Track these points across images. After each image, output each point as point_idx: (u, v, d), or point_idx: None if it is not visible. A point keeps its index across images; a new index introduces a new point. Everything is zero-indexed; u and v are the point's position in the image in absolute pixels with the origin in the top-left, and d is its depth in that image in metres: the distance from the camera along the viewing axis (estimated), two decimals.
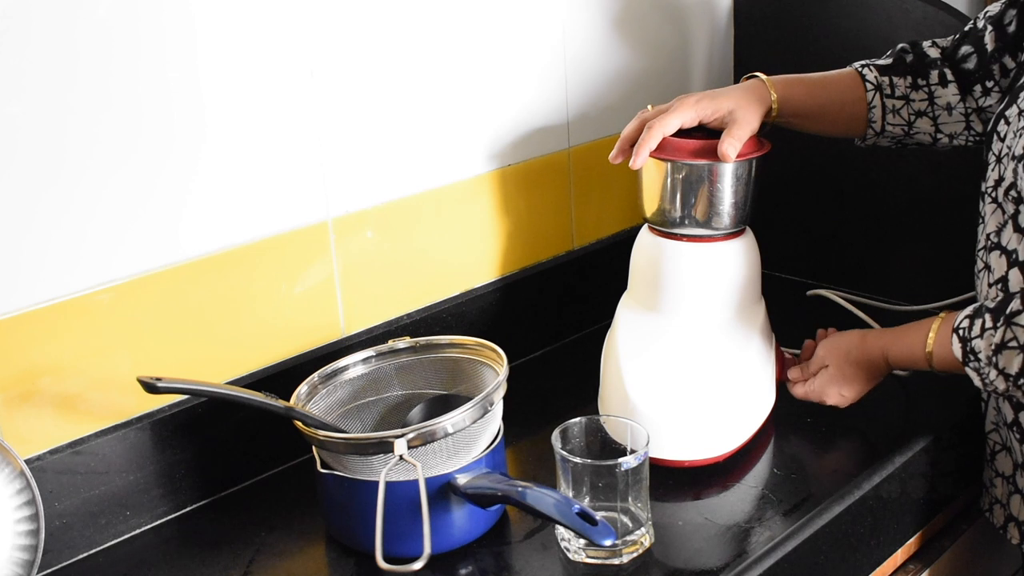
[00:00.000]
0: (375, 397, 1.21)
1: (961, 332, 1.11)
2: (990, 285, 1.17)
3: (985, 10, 1.29)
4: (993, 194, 1.18)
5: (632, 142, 1.24)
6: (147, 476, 1.16)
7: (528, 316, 1.49)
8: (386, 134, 1.30)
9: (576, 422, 1.12)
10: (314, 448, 1.10)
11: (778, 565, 1.06)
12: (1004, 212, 1.16)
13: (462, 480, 1.06)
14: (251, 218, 1.20)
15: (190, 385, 1.05)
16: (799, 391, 1.28)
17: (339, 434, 1.09)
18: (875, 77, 1.31)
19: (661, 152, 1.23)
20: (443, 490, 1.06)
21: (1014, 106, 1.17)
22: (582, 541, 1.05)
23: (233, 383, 1.21)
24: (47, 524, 1.06)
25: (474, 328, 1.40)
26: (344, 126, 1.26)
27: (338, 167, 1.27)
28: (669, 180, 1.24)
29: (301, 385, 1.15)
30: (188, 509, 1.19)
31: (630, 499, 1.07)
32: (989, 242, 1.18)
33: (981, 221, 1.21)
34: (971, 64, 1.28)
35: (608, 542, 0.98)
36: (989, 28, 1.26)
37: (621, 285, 1.34)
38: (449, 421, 1.04)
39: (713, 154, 1.22)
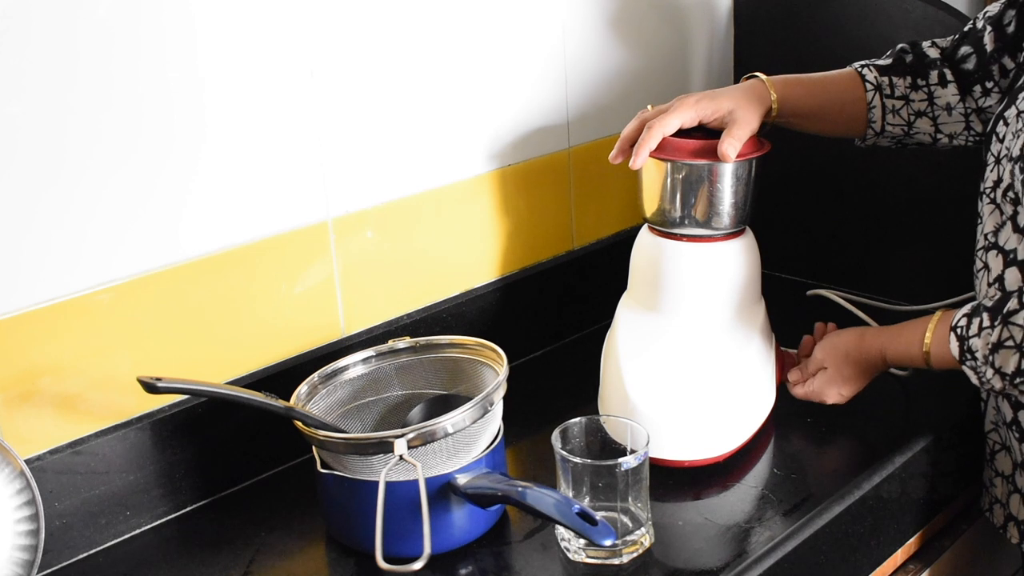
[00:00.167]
0: (375, 397, 1.21)
1: (959, 331, 1.12)
2: (989, 284, 1.18)
3: (984, 10, 1.29)
4: (992, 195, 1.18)
5: (632, 142, 1.24)
6: (147, 476, 1.16)
7: (528, 316, 1.49)
8: (386, 134, 1.30)
9: (576, 422, 1.12)
10: (314, 448, 1.10)
11: (778, 565, 1.06)
12: (1003, 213, 1.16)
13: (462, 480, 1.06)
14: (251, 218, 1.20)
15: (190, 385, 1.05)
16: (799, 392, 1.28)
17: (339, 434, 1.09)
18: (875, 77, 1.31)
19: (661, 152, 1.23)
20: (443, 490, 1.06)
21: (1013, 107, 1.17)
22: (582, 541, 1.05)
23: (233, 383, 1.21)
24: (47, 524, 1.06)
25: (474, 328, 1.40)
26: (344, 126, 1.26)
27: (338, 167, 1.27)
28: (669, 180, 1.25)
29: (301, 385, 1.15)
30: (188, 509, 1.19)
31: (630, 499, 1.07)
32: (987, 242, 1.18)
33: (980, 221, 1.21)
34: (970, 64, 1.28)
35: (608, 542, 0.98)
36: (988, 29, 1.26)
37: (621, 285, 1.34)
38: (449, 421, 1.04)
39: (713, 154, 1.22)
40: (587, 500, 1.08)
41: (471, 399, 1.06)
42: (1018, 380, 1.08)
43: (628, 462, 1.05)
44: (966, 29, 1.30)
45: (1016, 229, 1.14)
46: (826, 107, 1.32)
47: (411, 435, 1.02)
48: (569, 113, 1.50)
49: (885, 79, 1.31)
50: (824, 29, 1.56)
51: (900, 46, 1.33)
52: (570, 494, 1.07)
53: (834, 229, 1.64)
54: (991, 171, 1.19)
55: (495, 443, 1.11)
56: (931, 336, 1.16)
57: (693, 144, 1.23)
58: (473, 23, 1.36)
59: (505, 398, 1.11)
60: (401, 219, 1.34)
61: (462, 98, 1.37)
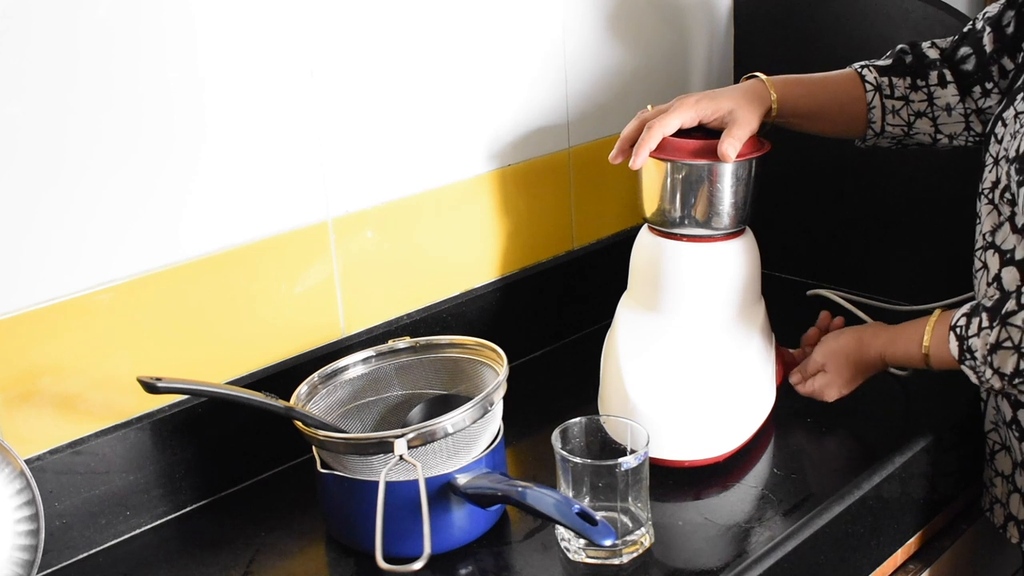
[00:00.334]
0: (375, 397, 1.21)
1: (958, 330, 1.12)
2: (988, 284, 1.18)
3: (984, 11, 1.29)
4: (990, 196, 1.18)
5: (632, 142, 1.24)
6: (147, 476, 1.16)
7: (528, 316, 1.49)
8: (386, 134, 1.30)
9: (576, 422, 1.12)
10: (314, 448, 1.10)
11: (778, 565, 1.06)
12: (1000, 214, 1.16)
13: (462, 480, 1.06)
14: (251, 218, 1.20)
15: (190, 385, 1.05)
16: (801, 390, 1.29)
17: (339, 434, 1.09)
18: (874, 78, 1.31)
19: (661, 152, 1.23)
20: (443, 490, 1.06)
21: (1011, 108, 1.17)
22: (582, 541, 1.05)
23: (233, 383, 1.21)
24: (47, 524, 1.06)
25: (474, 328, 1.40)
26: (344, 126, 1.26)
27: (338, 167, 1.27)
28: (669, 180, 1.25)
29: (301, 385, 1.15)
30: (188, 509, 1.19)
31: (630, 499, 1.07)
32: (985, 242, 1.19)
33: (978, 221, 1.21)
34: (970, 65, 1.28)
35: (608, 542, 0.98)
36: (988, 29, 1.26)
37: (621, 285, 1.34)
38: (449, 421, 1.04)
39: (713, 154, 1.22)
40: (587, 500, 1.08)
41: (471, 399, 1.06)
42: (1017, 380, 1.08)
43: (628, 462, 1.05)
44: (965, 30, 1.30)
45: (1014, 229, 1.14)
46: (826, 107, 1.32)
47: (411, 435, 1.02)
48: (569, 113, 1.50)
49: (885, 79, 1.31)
50: (824, 29, 1.56)
51: (900, 47, 1.33)
52: (570, 494, 1.07)
53: (834, 229, 1.64)
54: (989, 172, 1.19)
55: (495, 443, 1.11)
56: (930, 336, 1.16)
57: (693, 144, 1.23)
58: (473, 23, 1.36)
59: (505, 398, 1.11)
60: (401, 219, 1.34)
61: (462, 98, 1.37)
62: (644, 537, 1.07)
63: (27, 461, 1.05)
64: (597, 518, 0.99)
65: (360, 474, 1.06)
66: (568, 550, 1.07)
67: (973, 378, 1.12)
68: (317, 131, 1.24)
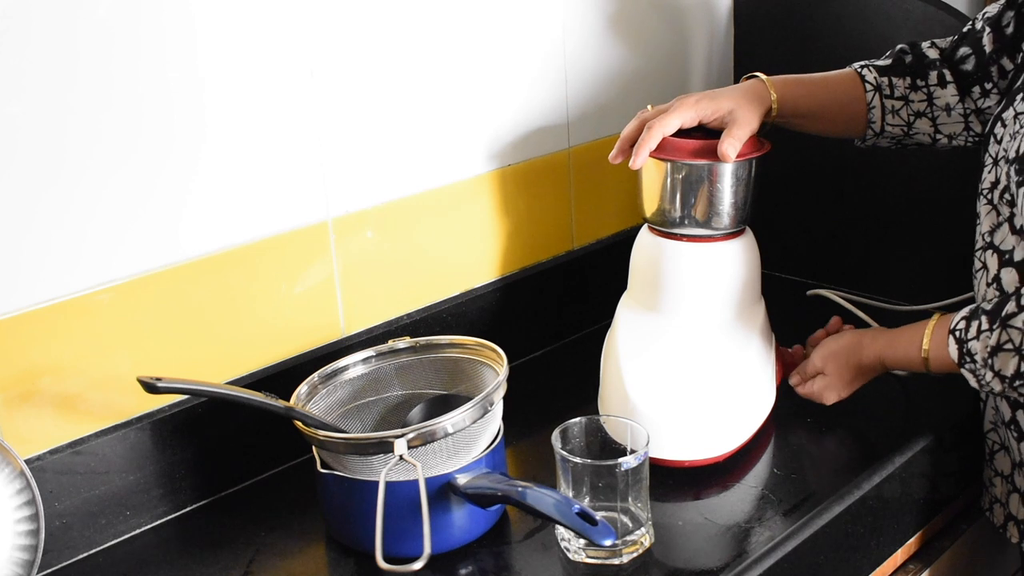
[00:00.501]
0: (375, 397, 1.21)
1: (958, 334, 1.11)
2: (987, 285, 1.18)
3: (983, 11, 1.29)
4: (989, 196, 1.18)
5: (632, 142, 1.24)
6: (147, 476, 1.16)
7: (528, 316, 1.49)
8: (386, 134, 1.30)
9: (576, 422, 1.12)
10: (314, 448, 1.10)
11: (778, 565, 1.06)
12: (999, 214, 1.16)
13: (462, 480, 1.06)
14: (251, 218, 1.20)
15: (190, 385, 1.05)
16: (801, 392, 1.29)
17: (339, 434, 1.09)
18: (874, 78, 1.31)
19: (661, 152, 1.23)
20: (443, 490, 1.06)
21: (1010, 109, 1.17)
22: (582, 541, 1.05)
23: (233, 383, 1.21)
24: (47, 524, 1.06)
25: (474, 328, 1.40)
26: (344, 126, 1.26)
27: (338, 167, 1.27)
28: (669, 180, 1.25)
29: (301, 385, 1.15)
30: (188, 509, 1.19)
31: (630, 499, 1.07)
32: (984, 242, 1.19)
33: (978, 222, 1.21)
34: (969, 65, 1.28)
35: (608, 542, 0.98)
36: (987, 30, 1.26)
37: (621, 285, 1.34)
38: (449, 421, 1.04)
39: (713, 154, 1.22)
40: (587, 500, 1.08)
41: (471, 399, 1.06)
42: (1017, 383, 1.08)
43: (628, 462, 1.05)
44: (965, 30, 1.30)
45: (1013, 230, 1.14)
46: (826, 107, 1.32)
47: (411, 435, 1.02)
48: (569, 113, 1.50)
49: (885, 79, 1.31)
50: (824, 29, 1.56)
51: (900, 47, 1.33)
52: (570, 494, 1.07)
53: (834, 229, 1.64)
54: (988, 172, 1.19)
55: (495, 443, 1.11)
56: (929, 340, 1.16)
57: (693, 144, 1.23)
58: (473, 23, 1.36)
59: (505, 398, 1.11)
60: (401, 219, 1.34)
61: (462, 98, 1.37)
62: (644, 537, 1.07)
63: (27, 461, 1.05)
64: (597, 518, 0.99)
65: (360, 474, 1.06)
66: (568, 550, 1.07)
67: (973, 382, 1.12)
68: (317, 131, 1.24)
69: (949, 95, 1.30)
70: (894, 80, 1.31)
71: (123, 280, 1.12)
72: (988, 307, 1.10)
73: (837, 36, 1.54)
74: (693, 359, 1.23)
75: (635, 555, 1.06)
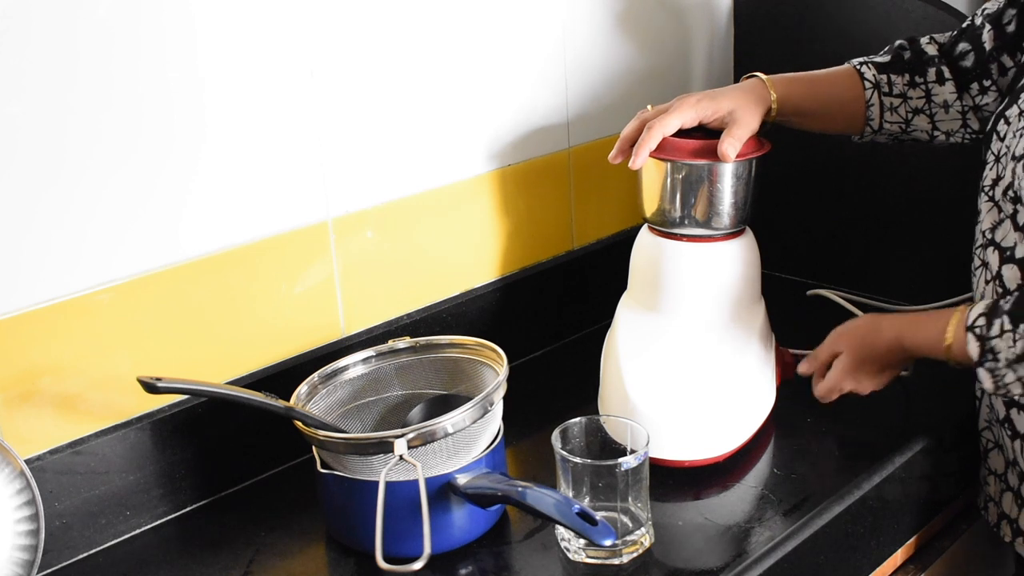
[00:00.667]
0: (375, 397, 1.21)
1: (978, 331, 1.08)
2: (987, 282, 1.17)
3: (983, 7, 1.29)
4: (990, 193, 1.18)
5: (632, 142, 1.24)
6: (147, 476, 1.16)
7: (528, 316, 1.49)
8: (386, 134, 1.30)
9: (576, 422, 1.12)
10: (314, 448, 1.10)
11: (778, 565, 1.06)
12: (1001, 211, 1.16)
13: (462, 480, 1.06)
14: (251, 218, 1.20)
15: (190, 385, 1.05)
16: (819, 390, 1.23)
17: (339, 434, 1.09)
18: (873, 75, 1.31)
19: (661, 152, 1.23)
20: (443, 490, 1.06)
21: (1015, 106, 1.17)
22: (582, 541, 1.05)
23: (233, 383, 1.21)
24: (47, 524, 1.06)
25: (474, 328, 1.40)
26: (344, 126, 1.26)
27: (338, 167, 1.27)
28: (669, 180, 1.25)
29: (301, 385, 1.15)
30: (188, 509, 1.19)
31: (630, 499, 1.07)
32: (985, 239, 1.18)
33: (979, 219, 1.21)
34: (968, 62, 1.28)
35: (608, 542, 0.98)
36: (987, 27, 1.26)
37: (621, 285, 1.34)
38: (449, 421, 1.04)
39: (713, 154, 1.22)
40: (587, 500, 1.08)
41: (471, 399, 1.06)
42: None
43: (628, 462, 1.05)
44: (964, 25, 1.30)
45: (1016, 227, 1.13)
46: (825, 106, 1.32)
47: (411, 435, 1.02)
48: (569, 113, 1.50)
49: (884, 77, 1.31)
50: (824, 29, 1.56)
51: (898, 42, 1.33)
52: (570, 494, 1.07)
53: (834, 229, 1.64)
54: (990, 169, 1.19)
55: (495, 443, 1.11)
56: (953, 331, 1.11)
57: (693, 144, 1.23)
58: (473, 23, 1.36)
59: (505, 398, 1.11)
60: (401, 219, 1.34)
61: (462, 98, 1.37)
62: (644, 537, 1.07)
63: (27, 461, 1.05)
64: (597, 518, 0.99)
65: (360, 474, 1.06)
66: (568, 550, 1.07)
67: (988, 382, 1.09)
68: (317, 131, 1.24)
69: (947, 92, 1.30)
70: (893, 77, 1.31)
71: (123, 280, 1.12)
72: (1008, 306, 1.07)
73: (837, 36, 1.54)
74: (693, 359, 1.23)
75: (635, 555, 1.06)
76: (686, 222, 1.25)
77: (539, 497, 1.02)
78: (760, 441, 1.26)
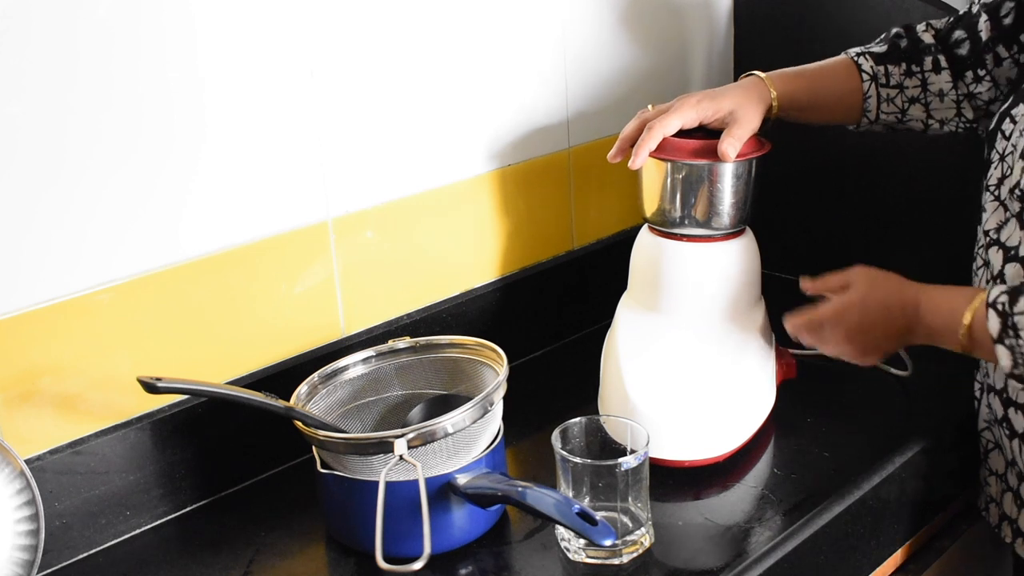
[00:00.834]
0: (375, 397, 1.21)
1: (1000, 307, 1.04)
2: (988, 282, 1.17)
3: None
4: (996, 192, 1.18)
5: (632, 142, 1.24)
6: (147, 476, 1.16)
7: (528, 316, 1.49)
8: (386, 134, 1.30)
9: (576, 422, 1.12)
10: (314, 448, 1.10)
11: (778, 565, 1.06)
12: (1007, 210, 1.15)
13: (462, 480, 1.06)
14: (251, 218, 1.20)
15: (190, 385, 1.05)
16: (790, 322, 1.18)
17: (339, 434, 1.09)
18: (871, 67, 1.31)
19: (661, 152, 1.23)
20: (443, 490, 1.06)
21: (1021, 105, 1.17)
22: (582, 541, 1.05)
23: (233, 383, 1.21)
24: (47, 524, 1.06)
25: (474, 328, 1.40)
26: (344, 126, 1.26)
27: (338, 167, 1.27)
28: (669, 180, 1.25)
29: (301, 385, 1.15)
30: (188, 509, 1.19)
31: (630, 499, 1.07)
32: (988, 239, 1.18)
33: (983, 219, 1.20)
34: (964, 50, 1.29)
35: (608, 542, 0.98)
36: (984, 16, 1.27)
37: (621, 285, 1.34)
38: (449, 421, 1.04)
39: (713, 154, 1.22)
40: (587, 500, 1.07)
41: (471, 399, 1.06)
42: None
43: (628, 462, 1.05)
44: (961, 13, 1.30)
45: (1022, 226, 1.13)
46: (824, 99, 1.32)
47: (411, 435, 1.02)
48: (569, 113, 1.50)
49: (881, 68, 1.31)
50: (824, 29, 1.56)
51: (895, 30, 1.33)
52: (570, 494, 1.07)
53: (834, 229, 1.64)
54: (995, 168, 1.18)
55: (495, 443, 1.11)
56: (972, 311, 1.06)
57: (693, 144, 1.23)
58: (473, 23, 1.36)
59: (505, 398, 1.11)
60: (401, 219, 1.34)
61: (462, 98, 1.37)
62: (644, 537, 1.07)
63: (27, 461, 1.05)
64: (597, 518, 0.99)
65: (360, 474, 1.06)
66: (568, 550, 1.07)
67: (1006, 360, 1.03)
68: (317, 131, 1.24)
69: (943, 81, 1.30)
70: (890, 68, 1.31)
71: (123, 280, 1.12)
72: None
73: (837, 36, 1.54)
74: (693, 359, 1.23)
75: (635, 555, 1.06)
76: (686, 222, 1.25)
77: (539, 497, 1.02)
78: (760, 441, 1.26)
